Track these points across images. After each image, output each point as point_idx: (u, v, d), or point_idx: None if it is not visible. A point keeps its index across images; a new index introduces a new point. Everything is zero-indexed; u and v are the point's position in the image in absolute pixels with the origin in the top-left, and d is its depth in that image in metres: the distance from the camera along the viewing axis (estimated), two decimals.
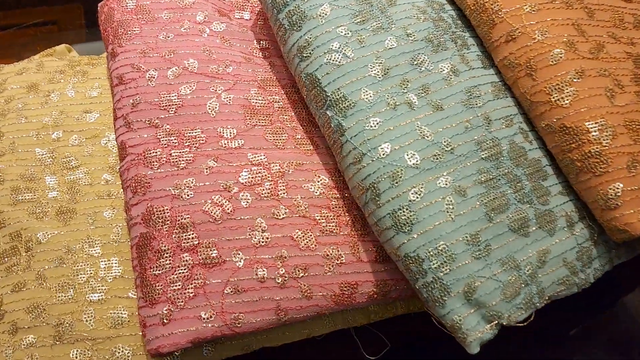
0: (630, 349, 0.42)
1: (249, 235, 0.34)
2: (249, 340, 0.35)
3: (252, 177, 0.35)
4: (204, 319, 0.31)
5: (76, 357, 0.33)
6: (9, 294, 0.35)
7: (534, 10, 0.35)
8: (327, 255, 0.34)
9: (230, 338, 0.34)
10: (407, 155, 0.32)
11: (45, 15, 0.61)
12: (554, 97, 0.33)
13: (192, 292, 0.32)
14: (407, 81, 0.34)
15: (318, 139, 0.38)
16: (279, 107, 0.39)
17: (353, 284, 0.34)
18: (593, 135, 0.32)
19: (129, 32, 0.39)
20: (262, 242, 0.34)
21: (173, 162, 0.35)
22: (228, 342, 0.34)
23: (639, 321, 0.44)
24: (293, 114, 0.39)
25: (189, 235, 0.33)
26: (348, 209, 0.36)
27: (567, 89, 0.33)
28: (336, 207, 0.36)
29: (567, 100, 0.33)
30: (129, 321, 0.34)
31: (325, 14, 0.35)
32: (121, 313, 0.34)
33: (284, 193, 0.35)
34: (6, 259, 0.36)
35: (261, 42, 0.42)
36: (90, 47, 0.54)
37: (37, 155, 0.40)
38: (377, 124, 0.33)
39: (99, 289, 0.35)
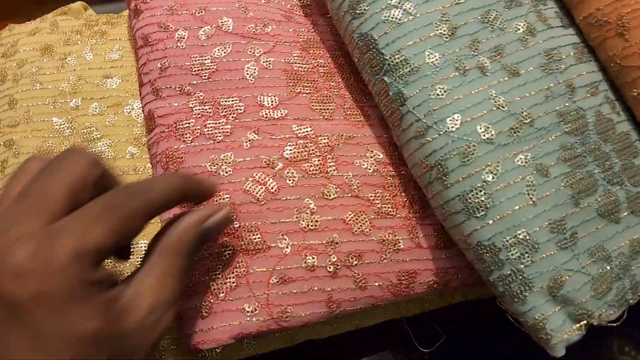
0: None
1: (296, 217, 0.30)
2: (294, 332, 0.32)
3: (298, 152, 0.31)
4: (247, 312, 0.28)
5: None
6: None
7: None
8: (384, 240, 0.30)
9: (276, 331, 0.30)
10: (480, 128, 0.28)
11: None
12: None
13: (233, 282, 0.28)
14: (478, 42, 0.30)
15: (369, 108, 0.34)
16: (324, 72, 0.34)
17: (412, 272, 0.31)
18: None
19: None
20: (311, 225, 0.30)
21: (208, 134, 0.31)
22: (272, 334, 0.31)
23: None
24: (340, 80, 0.35)
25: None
26: (405, 188, 0.32)
27: None
28: (392, 185, 0.32)
29: None
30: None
31: None
32: None
33: (333, 170, 0.31)
34: None
35: None
36: (108, 8, 0.49)
37: (54, 126, 0.36)
38: (445, 91, 0.28)
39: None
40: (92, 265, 0.19)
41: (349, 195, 0.31)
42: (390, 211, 0.31)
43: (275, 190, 0.30)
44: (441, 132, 0.28)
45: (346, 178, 0.31)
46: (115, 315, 0.20)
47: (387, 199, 0.31)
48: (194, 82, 0.32)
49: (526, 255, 0.26)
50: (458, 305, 0.36)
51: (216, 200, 0.29)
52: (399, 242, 0.31)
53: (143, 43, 0.33)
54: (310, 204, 0.30)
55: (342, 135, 0.32)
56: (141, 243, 0.32)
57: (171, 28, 0.33)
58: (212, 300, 0.28)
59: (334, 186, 0.31)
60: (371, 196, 0.31)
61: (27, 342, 0.18)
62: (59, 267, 0.19)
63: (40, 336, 0.18)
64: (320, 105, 0.33)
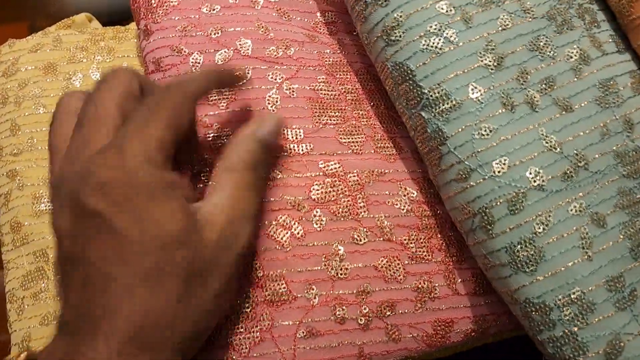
0: None
1: (325, 265, 0.27)
2: None
3: (326, 192, 0.28)
4: None
5: None
6: (37, 328, 0.29)
7: None
8: (419, 287, 0.28)
9: None
10: (530, 172, 0.25)
11: None
12: None
13: (257, 336, 0.26)
14: (527, 73, 0.27)
15: (402, 140, 0.31)
16: (352, 99, 0.32)
17: (449, 321, 0.28)
18: None
19: (166, 4, 0.31)
20: (341, 274, 0.27)
21: None
22: None
23: None
24: (370, 107, 0.32)
25: (252, 266, 0.27)
26: (441, 229, 0.30)
27: None
28: (427, 227, 0.29)
29: None
30: None
31: None
32: None
33: (364, 211, 0.29)
34: (31, 283, 0.31)
35: (327, 13, 0.34)
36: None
37: None
38: (490, 131, 0.26)
39: None
40: (163, 164, 0.21)
41: (381, 239, 0.28)
42: (425, 255, 0.29)
43: (302, 235, 0.28)
44: (486, 177, 0.25)
45: (378, 220, 0.29)
46: (194, 223, 0.21)
47: (422, 242, 0.29)
48: (211, 113, 0.29)
49: (581, 316, 0.24)
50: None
51: None
52: (435, 290, 0.28)
53: (155, 68, 0.31)
54: (339, 250, 0.28)
55: (372, 172, 0.30)
56: None
57: (185, 52, 0.30)
58: (234, 357, 0.26)
59: (365, 229, 0.28)
60: (405, 239, 0.29)
61: (113, 251, 0.19)
62: (134, 171, 0.20)
63: (125, 243, 0.19)
64: (348, 138, 0.30)
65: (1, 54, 0.37)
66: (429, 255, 0.29)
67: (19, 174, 0.33)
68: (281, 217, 0.28)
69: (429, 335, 0.28)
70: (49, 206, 0.32)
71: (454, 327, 0.28)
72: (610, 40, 0.29)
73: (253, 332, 0.26)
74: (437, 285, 0.28)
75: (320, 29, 0.33)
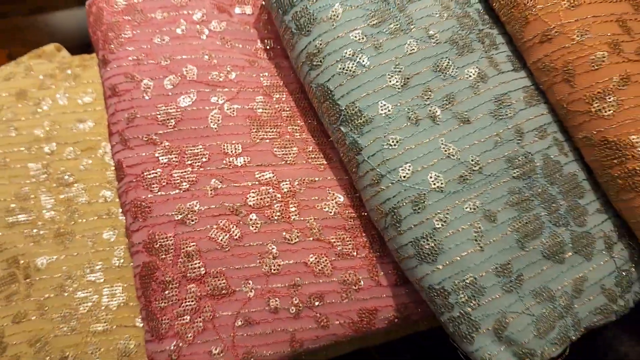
0: None
1: (259, 262, 0.31)
2: None
3: (261, 199, 0.32)
4: (214, 354, 0.30)
5: None
6: (10, 325, 0.33)
7: (573, 6, 0.31)
8: (344, 280, 0.32)
9: None
10: (431, 177, 0.29)
11: (36, 1, 0.57)
12: (594, 107, 0.30)
13: (201, 326, 0.30)
14: (430, 91, 0.31)
15: (331, 150, 0.35)
16: (287, 116, 0.36)
17: (372, 310, 0.32)
18: (638, 151, 0.29)
19: (121, 37, 0.35)
20: (274, 269, 0.31)
21: (174, 183, 0.32)
22: None
23: None
24: (303, 123, 0.36)
25: (195, 264, 0.31)
26: (365, 228, 0.33)
27: (609, 98, 0.29)
28: (352, 227, 0.33)
29: (610, 110, 0.29)
30: (136, 352, 0.33)
31: (337, 16, 0.31)
32: (128, 343, 0.33)
33: (295, 215, 0.33)
34: (4, 287, 0.34)
35: (265, 41, 0.38)
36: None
37: (30, 172, 0.37)
38: (397, 142, 0.30)
39: (103, 319, 0.33)
40: None
41: (311, 239, 0.32)
42: (350, 252, 0.33)
43: (239, 237, 0.31)
44: (394, 181, 0.29)
45: (308, 222, 0.33)
46: None
47: (347, 241, 0.33)
48: (160, 132, 0.33)
49: (473, 298, 0.28)
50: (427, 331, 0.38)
51: (183, 248, 0.31)
52: (360, 282, 0.32)
53: (111, 93, 0.35)
54: (272, 249, 0.32)
55: (304, 180, 0.34)
56: (116, 286, 0.34)
57: (137, 78, 0.34)
58: (180, 344, 0.30)
59: (296, 231, 0.32)
60: (332, 239, 0.33)
61: None
62: None
63: None
64: (282, 150, 0.34)
65: None
66: (354, 252, 0.33)
67: None
68: (221, 222, 0.32)
69: (355, 322, 0.32)
70: (19, 218, 0.36)
71: (377, 314, 0.32)
72: (507, 60, 0.33)
73: (197, 322, 0.30)
74: (361, 278, 0.32)
75: (260, 54, 0.38)
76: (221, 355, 0.30)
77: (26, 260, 0.35)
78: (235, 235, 0.31)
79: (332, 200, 0.34)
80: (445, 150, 0.30)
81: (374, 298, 0.32)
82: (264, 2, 0.35)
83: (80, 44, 0.51)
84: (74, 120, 0.39)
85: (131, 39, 0.35)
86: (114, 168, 0.37)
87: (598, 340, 0.40)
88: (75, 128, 0.39)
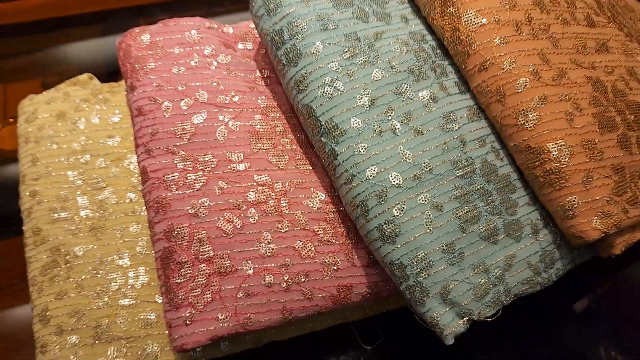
0: None
1: (257, 247, 0.39)
2: (260, 335, 0.41)
3: (258, 196, 0.40)
4: (220, 319, 0.37)
5: (113, 354, 0.39)
6: (53, 301, 0.40)
7: (503, 43, 0.39)
8: (325, 262, 0.40)
9: (244, 334, 0.39)
10: (391, 176, 0.37)
11: (67, 38, 0.66)
12: (520, 121, 0.38)
13: (209, 297, 0.37)
14: (392, 109, 0.39)
15: (315, 158, 0.43)
16: (280, 131, 0.44)
17: (348, 286, 0.40)
18: (553, 155, 0.37)
19: (145, 67, 0.44)
20: (269, 252, 0.39)
21: (189, 184, 0.40)
22: (242, 337, 0.40)
23: None
24: (293, 137, 0.44)
25: (205, 248, 0.38)
26: (343, 221, 0.41)
27: (531, 114, 0.38)
28: (332, 219, 0.41)
29: (532, 124, 0.38)
30: (156, 322, 0.40)
31: (318, 52, 0.39)
32: (149, 315, 0.40)
33: (286, 209, 0.40)
34: (48, 270, 0.42)
35: (263, 71, 0.47)
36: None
37: (69, 178, 0.45)
38: (365, 149, 0.38)
39: (129, 295, 0.41)
40: None
41: (298, 228, 0.40)
42: (330, 239, 0.40)
43: (241, 227, 0.39)
44: (363, 180, 0.37)
45: (296, 215, 0.40)
46: None
47: (328, 230, 0.41)
48: (178, 144, 0.41)
49: (424, 270, 0.35)
50: (396, 311, 0.45)
51: (196, 236, 0.38)
52: (338, 263, 0.40)
53: (137, 113, 0.43)
54: (267, 236, 0.39)
55: (293, 182, 0.42)
56: (140, 269, 0.41)
57: (159, 101, 0.43)
58: (193, 312, 0.37)
59: (287, 222, 0.40)
60: (316, 228, 0.40)
61: None
62: None
63: None
64: (276, 158, 0.42)
65: (23, 105, 0.50)
66: (333, 239, 0.40)
67: (38, 193, 0.45)
68: (226, 214, 0.39)
69: (334, 295, 0.39)
70: (60, 215, 0.44)
71: (353, 290, 0.40)
72: (455, 85, 0.41)
73: (206, 294, 0.38)
74: (339, 260, 0.40)
75: (258, 82, 0.46)
76: (226, 320, 0.37)
77: (66, 249, 0.42)
78: (238, 225, 0.39)
79: (316, 197, 0.42)
80: (403, 156, 0.38)
81: (350, 276, 0.40)
82: (261, 39, 0.44)
83: (106, 72, 0.60)
84: (104, 136, 0.47)
85: (154, 69, 0.44)
86: (137, 174, 0.45)
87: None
88: (105, 142, 0.47)
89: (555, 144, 0.37)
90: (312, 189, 0.42)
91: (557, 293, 0.44)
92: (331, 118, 0.39)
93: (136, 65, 0.44)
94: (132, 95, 0.44)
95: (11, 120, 0.59)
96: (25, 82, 0.57)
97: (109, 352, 0.39)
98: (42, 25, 0.66)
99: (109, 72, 0.59)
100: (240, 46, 0.48)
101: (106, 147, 0.47)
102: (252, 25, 0.49)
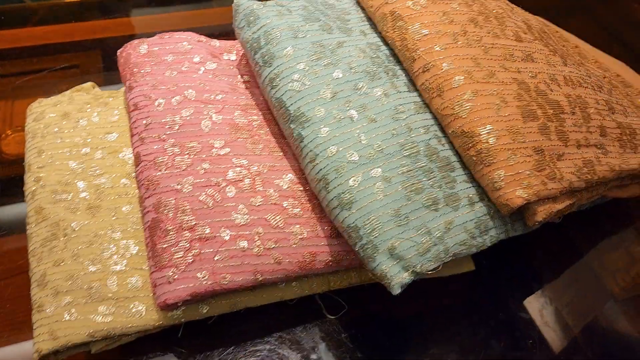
0: None
1: (234, 217, 0.45)
2: (235, 300, 0.46)
3: (236, 175, 0.47)
4: (199, 278, 0.42)
5: (103, 311, 0.44)
6: (51, 267, 0.46)
7: (442, 49, 0.47)
8: (293, 232, 0.45)
9: (221, 297, 0.44)
10: (349, 154, 0.44)
11: (70, 60, 0.74)
12: (456, 111, 0.45)
13: (190, 259, 0.43)
14: (350, 101, 0.46)
15: (286, 147, 0.50)
16: (257, 125, 0.51)
17: (313, 253, 0.45)
18: (483, 137, 0.44)
19: (142, 71, 0.51)
20: (243, 222, 0.45)
21: (176, 165, 0.46)
22: (219, 301, 0.45)
23: None
24: (268, 129, 0.51)
25: (189, 218, 0.44)
26: (309, 198, 0.48)
27: (465, 105, 0.45)
28: (299, 197, 0.47)
29: (465, 112, 0.45)
30: (143, 286, 0.45)
31: (289, 55, 0.47)
32: (137, 280, 0.45)
33: (260, 187, 0.47)
34: (48, 242, 0.47)
35: (244, 76, 0.54)
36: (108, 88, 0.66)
37: (70, 167, 0.52)
38: (327, 132, 0.45)
39: (119, 263, 0.46)
40: None
41: (270, 203, 0.46)
42: (298, 213, 0.46)
43: (220, 200, 0.45)
44: (324, 158, 0.44)
45: (268, 192, 0.47)
46: None
47: (296, 205, 0.47)
48: (168, 133, 0.48)
49: (375, 230, 0.41)
50: (359, 287, 0.50)
51: (180, 208, 0.44)
52: (304, 233, 0.46)
53: (134, 108, 0.50)
54: (243, 208, 0.45)
55: (266, 165, 0.48)
56: (130, 242, 0.47)
57: (153, 97, 0.50)
58: (176, 271, 0.42)
59: (260, 197, 0.46)
60: (285, 204, 0.47)
61: None
62: None
63: None
64: (253, 146, 0.49)
65: (32, 107, 0.57)
66: (300, 213, 0.47)
67: (42, 179, 0.51)
68: (208, 190, 0.46)
69: (300, 261, 0.45)
70: (61, 197, 0.49)
71: (317, 257, 0.45)
72: (404, 85, 0.49)
73: (188, 257, 0.43)
74: (305, 231, 0.46)
75: (239, 85, 0.54)
76: (204, 279, 0.42)
77: (65, 224, 0.48)
78: (217, 199, 0.45)
79: (286, 178, 0.48)
80: (359, 138, 0.45)
81: (314, 245, 0.46)
82: (241, 46, 0.52)
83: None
84: (104, 133, 0.54)
85: (150, 72, 0.51)
86: (131, 164, 0.52)
87: None
88: (105, 138, 0.54)
89: (485, 128, 0.44)
90: (282, 171, 0.48)
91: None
92: (298, 108, 0.46)
93: (134, 69, 0.52)
94: (130, 94, 0.51)
95: (18, 127, 0.66)
96: (32, 99, 0.64)
97: (99, 310, 0.44)
98: (50, 48, 0.74)
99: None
100: (225, 56, 0.55)
101: (105, 142, 0.53)
102: (235, 41, 0.57)
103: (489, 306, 0.53)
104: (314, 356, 0.48)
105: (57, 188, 0.50)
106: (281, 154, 0.50)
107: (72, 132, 0.54)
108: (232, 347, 0.47)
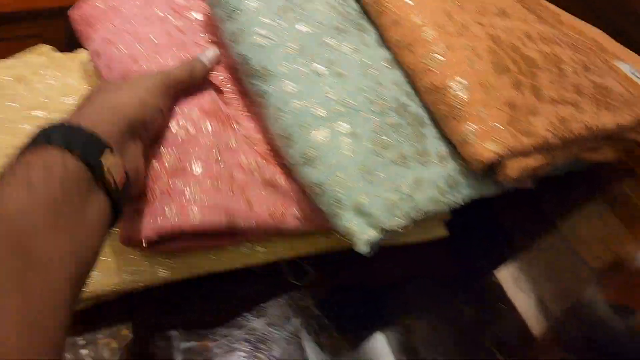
0: None
1: (208, 154, 0.41)
2: (196, 262, 0.43)
3: (215, 112, 0.44)
4: (167, 212, 0.38)
5: None
6: None
7: (413, 2, 0.46)
8: (267, 180, 0.43)
9: (181, 259, 0.42)
10: (316, 109, 0.42)
11: (31, 29, 0.71)
12: (428, 65, 0.44)
13: (161, 191, 0.39)
14: (317, 56, 0.44)
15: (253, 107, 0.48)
16: (221, 80, 0.49)
17: (286, 205, 0.43)
18: (455, 91, 0.42)
19: (101, 20, 0.49)
20: (220, 161, 0.41)
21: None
22: (179, 264, 0.43)
23: None
24: (232, 85, 0.49)
25: (162, 151, 0.41)
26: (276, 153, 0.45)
27: (437, 58, 0.43)
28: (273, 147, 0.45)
29: (437, 66, 0.43)
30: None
31: (254, 9, 0.45)
32: None
33: (236, 126, 0.45)
34: None
35: (207, 34, 0.52)
36: None
37: (26, 131, 0.49)
38: (292, 87, 0.43)
39: None
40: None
41: (246, 146, 0.44)
42: (269, 159, 0.44)
43: (194, 134, 0.41)
44: (289, 112, 0.42)
45: (245, 134, 0.45)
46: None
47: (269, 153, 0.45)
48: (135, 69, 0.46)
49: (341, 187, 0.40)
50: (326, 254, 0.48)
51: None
52: (277, 182, 0.43)
53: (96, 56, 0.48)
54: (221, 146, 0.42)
55: (243, 115, 0.46)
56: None
57: (115, 42, 0.47)
58: (143, 205, 0.39)
59: (234, 139, 0.44)
60: (260, 150, 0.44)
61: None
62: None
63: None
64: (234, 102, 0.47)
65: None
66: (272, 159, 0.44)
67: None
68: (180, 121, 0.42)
69: (272, 211, 0.42)
70: None
71: (288, 210, 0.43)
72: (374, 40, 0.47)
73: (157, 189, 0.40)
74: (278, 180, 0.44)
75: (202, 43, 0.51)
76: (173, 212, 0.38)
77: None
78: (192, 132, 0.41)
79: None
80: (326, 93, 0.43)
81: (288, 198, 0.43)
82: (208, 6, 0.49)
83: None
84: (60, 95, 0.51)
85: (108, 21, 0.49)
86: None
87: None
88: (61, 100, 0.51)
89: (456, 81, 0.42)
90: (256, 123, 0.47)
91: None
92: (264, 65, 0.44)
93: (91, 20, 0.49)
94: (91, 43, 0.48)
95: None
96: None
97: None
98: (10, 16, 0.71)
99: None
100: (189, 14, 0.53)
101: (62, 104, 0.51)
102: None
103: (462, 275, 0.51)
104: (286, 326, 0.46)
105: (10, 152, 0.47)
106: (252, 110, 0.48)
107: (27, 97, 0.51)
108: (197, 316, 0.45)
